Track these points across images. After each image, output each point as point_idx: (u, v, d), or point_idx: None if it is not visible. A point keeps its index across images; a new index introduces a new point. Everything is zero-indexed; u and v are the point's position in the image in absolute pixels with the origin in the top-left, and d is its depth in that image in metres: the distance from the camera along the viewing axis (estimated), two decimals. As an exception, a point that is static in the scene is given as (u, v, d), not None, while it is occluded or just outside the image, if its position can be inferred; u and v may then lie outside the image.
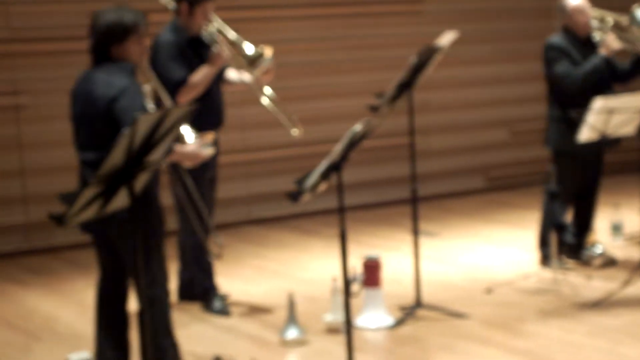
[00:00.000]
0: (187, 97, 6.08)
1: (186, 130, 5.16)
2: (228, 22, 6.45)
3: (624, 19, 7.09)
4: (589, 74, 6.77)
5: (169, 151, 4.61)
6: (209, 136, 5.31)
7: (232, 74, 6.55)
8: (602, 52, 6.82)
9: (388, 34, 10.00)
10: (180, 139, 5.07)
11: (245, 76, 6.45)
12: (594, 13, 7.06)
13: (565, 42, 6.90)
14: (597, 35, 6.99)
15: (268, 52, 6.28)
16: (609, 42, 6.82)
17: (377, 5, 9.97)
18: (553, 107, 6.97)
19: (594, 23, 7.00)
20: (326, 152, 5.12)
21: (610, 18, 7.10)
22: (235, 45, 6.27)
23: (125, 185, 4.13)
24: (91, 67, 4.85)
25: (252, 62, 6.28)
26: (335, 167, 4.89)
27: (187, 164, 5.31)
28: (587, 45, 6.97)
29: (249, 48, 6.26)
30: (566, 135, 6.83)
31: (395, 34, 10.01)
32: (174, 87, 6.08)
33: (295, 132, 6.54)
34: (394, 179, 9.93)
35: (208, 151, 5.26)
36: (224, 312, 6.46)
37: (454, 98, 10.41)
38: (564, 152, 6.95)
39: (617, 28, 7.03)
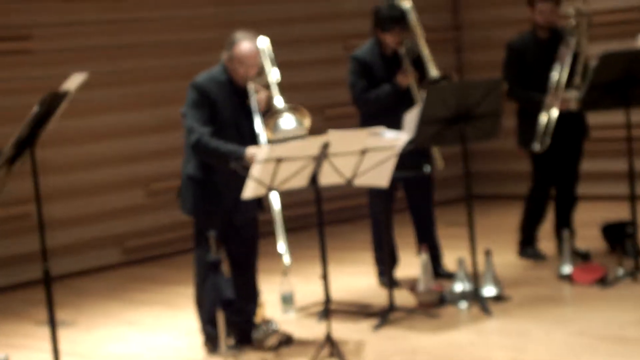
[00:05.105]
0: None
1: None
2: None
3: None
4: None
5: None
6: None
7: None
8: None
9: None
10: None
11: None
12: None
13: (219, 87, 6.72)
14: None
15: None
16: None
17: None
18: (190, 164, 6.74)
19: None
20: None
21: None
22: None
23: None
24: None
25: None
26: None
27: None
28: (242, 95, 6.83)
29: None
30: (208, 197, 6.68)
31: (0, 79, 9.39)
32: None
33: None
34: (16, 257, 9.36)
35: None
36: None
37: (77, 155, 9.86)
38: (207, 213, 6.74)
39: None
